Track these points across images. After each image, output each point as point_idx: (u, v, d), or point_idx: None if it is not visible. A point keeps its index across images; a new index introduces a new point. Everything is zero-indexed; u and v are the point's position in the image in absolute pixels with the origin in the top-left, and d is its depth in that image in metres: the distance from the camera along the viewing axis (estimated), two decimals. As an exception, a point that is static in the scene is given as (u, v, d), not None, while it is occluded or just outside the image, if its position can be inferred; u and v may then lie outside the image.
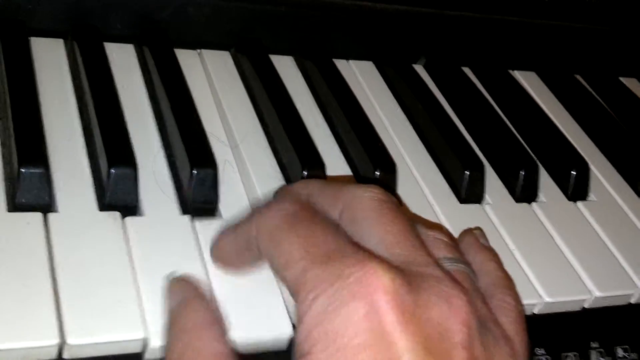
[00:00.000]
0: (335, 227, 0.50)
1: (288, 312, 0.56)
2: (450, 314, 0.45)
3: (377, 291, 0.43)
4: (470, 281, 0.51)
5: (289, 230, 0.49)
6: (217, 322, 0.50)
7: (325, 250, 0.46)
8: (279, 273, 0.49)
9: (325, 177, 0.67)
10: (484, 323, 0.48)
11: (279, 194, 0.61)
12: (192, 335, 0.48)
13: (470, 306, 0.46)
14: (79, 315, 0.50)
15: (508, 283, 0.56)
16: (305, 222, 0.49)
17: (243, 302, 0.56)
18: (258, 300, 0.56)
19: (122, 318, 0.51)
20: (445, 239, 0.54)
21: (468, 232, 0.62)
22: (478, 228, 0.65)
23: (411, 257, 0.48)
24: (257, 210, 0.53)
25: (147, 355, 0.52)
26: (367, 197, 0.52)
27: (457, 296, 0.46)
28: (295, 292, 0.46)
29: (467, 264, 0.54)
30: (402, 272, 0.45)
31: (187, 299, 0.52)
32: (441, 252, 0.52)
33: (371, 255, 0.46)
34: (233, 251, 0.56)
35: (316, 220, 0.50)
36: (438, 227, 0.57)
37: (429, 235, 0.53)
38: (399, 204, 0.54)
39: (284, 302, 0.57)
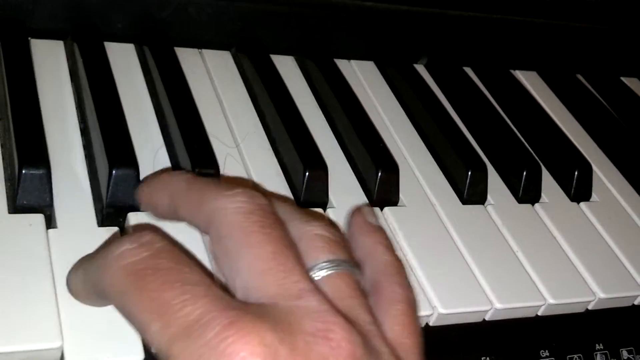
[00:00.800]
0: (189, 270, 0.45)
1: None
2: (332, 353, 0.42)
3: (251, 356, 0.40)
4: (353, 285, 0.48)
5: (139, 295, 0.44)
6: None
7: (183, 318, 0.42)
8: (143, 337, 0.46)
9: (327, 178, 0.67)
10: (369, 344, 0.45)
11: (142, 194, 0.56)
12: None
13: (350, 336, 0.43)
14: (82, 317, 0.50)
15: (396, 268, 0.53)
16: (151, 279, 0.44)
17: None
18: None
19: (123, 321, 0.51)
20: (325, 233, 0.50)
21: (357, 211, 0.58)
22: (367, 207, 0.61)
23: (283, 287, 0.45)
24: (100, 258, 0.47)
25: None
26: (232, 210, 0.48)
27: (335, 331, 0.43)
28: None
29: (349, 260, 0.50)
30: (273, 322, 0.42)
31: None
32: (320, 253, 0.49)
33: (238, 315, 0.42)
34: (84, 292, 0.51)
35: (165, 271, 0.44)
36: (317, 217, 0.52)
37: (307, 232, 0.50)
38: (269, 207, 0.49)
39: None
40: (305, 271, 0.47)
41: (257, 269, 0.45)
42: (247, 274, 0.46)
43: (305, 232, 0.50)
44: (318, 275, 0.47)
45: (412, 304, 0.50)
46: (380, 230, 0.56)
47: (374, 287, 0.51)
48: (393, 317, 0.49)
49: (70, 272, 0.52)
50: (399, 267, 0.53)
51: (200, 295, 0.43)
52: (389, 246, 0.54)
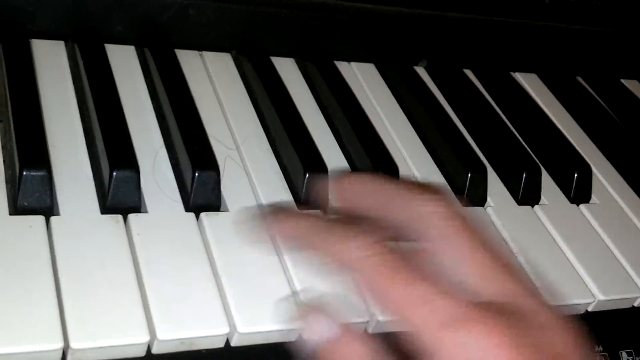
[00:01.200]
0: (430, 279, 0.49)
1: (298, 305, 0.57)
2: (561, 341, 0.48)
3: (500, 345, 0.45)
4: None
5: (391, 285, 0.49)
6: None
7: (433, 311, 0.47)
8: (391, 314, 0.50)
9: (327, 179, 0.67)
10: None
11: (342, 191, 0.61)
12: None
13: (571, 330, 0.49)
14: (83, 319, 0.50)
15: None
16: (400, 276, 0.49)
17: (256, 293, 0.56)
18: (269, 293, 0.57)
19: (126, 321, 0.51)
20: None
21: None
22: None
23: (505, 291, 0.49)
24: (349, 244, 0.52)
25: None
26: (437, 215, 0.52)
27: (561, 326, 0.48)
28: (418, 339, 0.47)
29: None
30: (509, 314, 0.47)
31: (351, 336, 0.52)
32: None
33: (495, 316, 0.47)
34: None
35: (412, 270, 0.49)
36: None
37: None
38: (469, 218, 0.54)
39: (293, 293, 0.57)
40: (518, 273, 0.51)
41: (478, 276, 0.50)
42: (469, 278, 0.50)
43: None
44: None
45: None
46: None
47: None
48: None
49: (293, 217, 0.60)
50: None
51: (447, 290, 0.48)
52: None
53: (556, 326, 0.48)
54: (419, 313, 0.47)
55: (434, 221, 0.52)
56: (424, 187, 0.55)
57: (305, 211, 0.64)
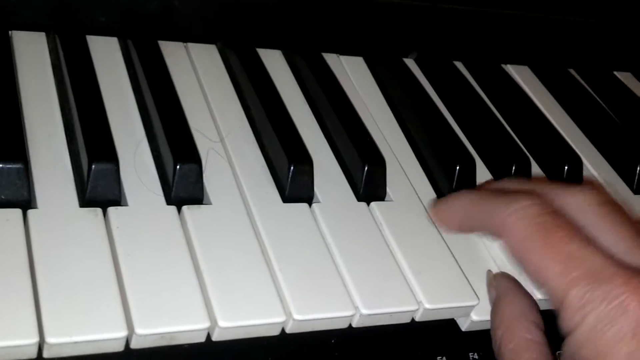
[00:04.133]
0: (586, 240, 0.54)
1: (280, 297, 0.56)
2: None
3: None
4: None
5: (542, 243, 0.54)
6: (531, 313, 0.57)
7: (586, 268, 0.51)
8: (535, 281, 0.56)
9: (313, 173, 0.66)
10: None
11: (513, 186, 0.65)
12: (509, 324, 0.57)
13: None
14: (60, 314, 0.50)
15: None
16: (555, 231, 0.54)
17: (238, 288, 0.55)
18: (251, 288, 0.56)
19: (103, 316, 0.50)
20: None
21: None
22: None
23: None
24: (501, 202, 0.58)
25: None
26: (582, 200, 0.58)
27: None
28: (557, 305, 0.53)
29: None
30: None
31: (504, 292, 0.59)
32: None
33: (631, 273, 0.51)
34: (459, 215, 0.64)
35: (566, 228, 0.54)
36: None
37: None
38: (614, 201, 0.59)
39: (276, 288, 0.57)
40: None
41: (623, 247, 0.55)
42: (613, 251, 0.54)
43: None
44: None
45: None
46: None
47: None
48: None
49: (451, 201, 0.66)
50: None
51: (596, 251, 0.53)
52: None
53: None
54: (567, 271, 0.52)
55: (589, 206, 0.57)
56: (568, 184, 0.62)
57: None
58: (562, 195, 0.59)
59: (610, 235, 0.56)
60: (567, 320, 0.52)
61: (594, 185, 0.61)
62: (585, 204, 0.58)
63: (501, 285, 0.61)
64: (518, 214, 0.56)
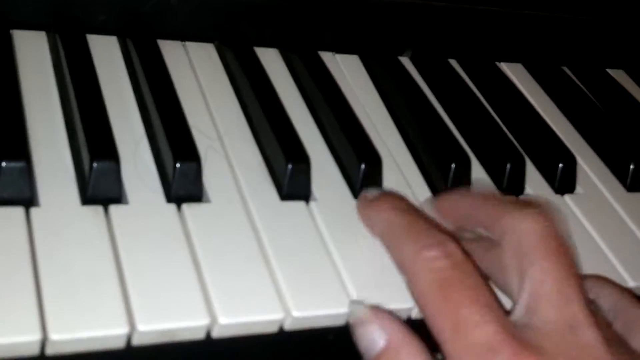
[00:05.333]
0: (487, 303, 0.50)
1: (278, 294, 0.56)
2: None
3: None
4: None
5: (442, 302, 0.51)
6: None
7: (477, 338, 0.48)
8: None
9: (310, 171, 0.67)
10: None
11: (442, 202, 0.65)
12: None
13: None
14: (62, 310, 0.50)
15: (632, 299, 0.60)
16: (459, 295, 0.51)
17: (236, 285, 0.56)
18: (250, 285, 0.56)
19: (105, 313, 0.51)
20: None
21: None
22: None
23: (562, 315, 0.50)
24: (412, 243, 0.55)
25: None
26: (527, 229, 0.54)
27: None
28: None
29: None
30: (550, 356, 0.48)
31: (402, 342, 0.53)
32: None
33: (522, 347, 0.48)
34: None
35: (470, 293, 0.51)
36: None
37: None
38: (564, 236, 0.55)
39: (274, 285, 0.57)
40: (587, 298, 0.52)
41: (542, 293, 0.51)
42: (532, 294, 0.52)
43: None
44: None
45: None
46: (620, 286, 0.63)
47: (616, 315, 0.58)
48: None
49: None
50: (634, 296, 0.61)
51: (493, 319, 0.49)
52: (635, 299, 0.61)
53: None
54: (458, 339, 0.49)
55: (532, 238, 0.54)
56: (527, 202, 0.58)
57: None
58: (506, 221, 0.56)
59: (538, 276, 0.52)
60: None
61: (541, 209, 0.56)
62: (527, 235, 0.54)
63: (395, 332, 0.54)
64: (423, 264, 0.53)
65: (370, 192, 0.64)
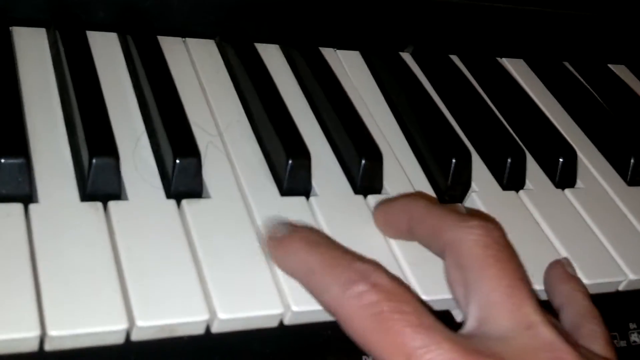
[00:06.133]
0: (426, 330, 0.48)
1: (278, 289, 0.57)
2: None
3: None
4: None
5: (382, 336, 0.48)
6: None
7: (434, 357, 0.47)
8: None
9: (310, 167, 0.67)
10: None
11: (379, 214, 0.64)
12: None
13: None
14: (61, 306, 0.50)
15: (595, 312, 0.58)
16: (395, 328, 0.48)
17: (236, 280, 0.56)
18: (249, 280, 0.56)
19: (104, 308, 0.51)
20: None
21: (555, 263, 0.65)
22: (565, 258, 0.67)
23: (515, 319, 0.49)
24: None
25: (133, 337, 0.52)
26: (470, 241, 0.53)
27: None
28: None
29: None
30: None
31: None
32: None
33: (486, 354, 0.47)
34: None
35: (405, 323, 0.48)
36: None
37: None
38: (505, 240, 0.54)
39: (274, 280, 0.57)
40: (537, 301, 0.51)
41: (491, 301, 0.50)
42: (482, 304, 0.51)
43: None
44: None
45: (610, 341, 0.56)
46: (577, 279, 0.63)
47: (573, 328, 0.57)
48: (597, 345, 0.55)
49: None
50: (597, 312, 0.59)
51: (442, 338, 0.47)
52: (586, 293, 0.61)
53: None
54: None
55: (473, 249, 0.53)
56: (466, 215, 0.56)
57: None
58: (448, 234, 0.54)
59: (484, 287, 0.51)
60: None
61: (481, 220, 0.54)
62: (470, 246, 0.53)
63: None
64: (353, 302, 0.50)
65: (278, 229, 0.59)
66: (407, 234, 0.60)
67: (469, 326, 0.51)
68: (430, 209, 0.58)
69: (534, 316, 0.49)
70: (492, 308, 0.50)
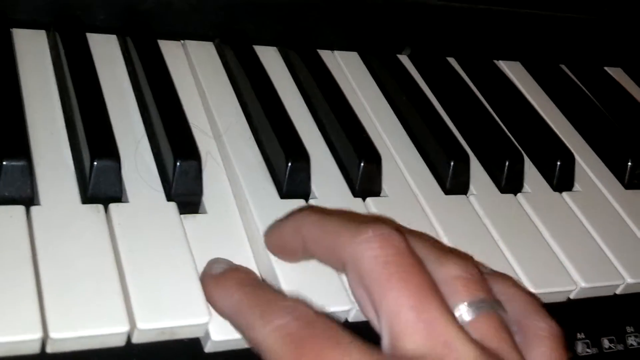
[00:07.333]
0: (345, 335, 0.47)
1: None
2: None
3: None
4: (499, 325, 0.49)
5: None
6: None
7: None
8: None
9: (310, 169, 0.67)
10: None
11: (272, 238, 0.60)
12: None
13: None
14: (62, 309, 0.50)
15: (536, 306, 0.54)
16: (315, 345, 0.46)
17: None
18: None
19: (106, 311, 0.51)
20: (462, 274, 0.50)
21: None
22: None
23: (429, 337, 0.46)
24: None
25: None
26: (368, 258, 0.49)
27: None
28: None
29: (491, 299, 0.51)
30: None
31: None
32: (461, 297, 0.49)
33: None
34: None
35: (323, 339, 0.46)
36: (451, 255, 0.52)
37: (444, 275, 0.50)
38: (406, 249, 0.49)
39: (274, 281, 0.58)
40: (450, 314, 0.47)
41: (400, 318, 0.47)
42: (391, 321, 0.47)
43: (442, 275, 0.50)
44: (463, 319, 0.48)
45: (558, 339, 0.52)
46: (507, 276, 0.59)
47: (518, 326, 0.52)
48: (541, 354, 0.50)
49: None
50: (539, 304, 0.55)
51: (362, 357, 0.45)
52: (521, 287, 0.56)
53: None
54: None
55: (373, 267, 0.49)
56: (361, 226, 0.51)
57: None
58: (347, 251, 0.50)
59: (390, 308, 0.47)
60: None
61: (377, 229, 0.50)
62: (369, 263, 0.49)
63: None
64: (274, 332, 0.48)
65: (215, 267, 0.57)
66: (303, 254, 0.56)
67: (385, 345, 0.48)
68: (323, 224, 0.54)
69: (449, 333, 0.46)
70: (405, 330, 0.46)
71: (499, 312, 0.50)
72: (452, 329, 0.46)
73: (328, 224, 0.53)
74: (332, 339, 0.46)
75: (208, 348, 0.55)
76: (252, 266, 0.60)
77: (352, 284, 0.51)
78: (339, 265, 0.51)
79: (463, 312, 0.48)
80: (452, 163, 0.72)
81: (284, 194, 0.65)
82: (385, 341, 0.47)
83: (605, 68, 1.03)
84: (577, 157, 0.81)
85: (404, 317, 0.46)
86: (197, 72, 0.76)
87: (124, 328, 0.51)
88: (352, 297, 0.56)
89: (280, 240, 0.58)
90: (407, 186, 0.71)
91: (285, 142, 0.67)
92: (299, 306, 0.49)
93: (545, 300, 0.65)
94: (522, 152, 0.78)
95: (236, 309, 0.52)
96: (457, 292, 0.49)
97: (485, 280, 0.52)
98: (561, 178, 0.78)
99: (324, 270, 0.56)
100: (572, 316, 0.67)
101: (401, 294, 0.47)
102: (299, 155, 0.67)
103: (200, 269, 0.57)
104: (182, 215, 0.60)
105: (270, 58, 0.82)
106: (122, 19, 0.76)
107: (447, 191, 0.72)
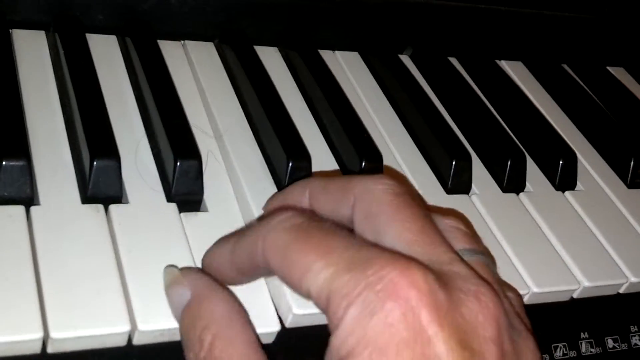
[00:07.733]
0: (348, 232, 0.48)
1: (275, 308, 0.56)
2: (480, 311, 0.45)
3: (412, 290, 0.43)
4: (491, 272, 0.51)
5: (303, 243, 0.47)
6: (242, 310, 0.51)
7: (348, 256, 0.45)
8: (298, 288, 0.47)
9: (311, 169, 0.66)
10: (509, 317, 0.48)
11: (275, 201, 0.59)
12: (222, 324, 0.49)
13: (498, 301, 0.46)
14: (63, 309, 0.50)
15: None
16: (316, 231, 0.47)
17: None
18: (247, 296, 0.55)
19: (106, 311, 0.51)
20: (462, 228, 0.54)
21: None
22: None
23: (433, 255, 0.47)
24: (260, 227, 0.50)
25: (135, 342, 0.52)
26: (380, 189, 0.51)
27: (484, 293, 0.45)
28: (323, 303, 0.45)
29: (485, 253, 0.53)
30: (431, 270, 0.45)
31: (205, 291, 0.51)
32: (459, 242, 0.52)
33: (399, 255, 0.45)
34: (228, 264, 0.53)
35: (327, 227, 0.48)
36: (453, 215, 0.56)
37: (446, 224, 0.53)
38: (413, 193, 0.53)
39: (271, 298, 0.57)
40: (449, 245, 0.49)
41: (406, 239, 0.48)
42: (396, 243, 0.48)
43: (445, 224, 0.53)
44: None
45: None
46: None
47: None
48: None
49: (211, 252, 0.56)
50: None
51: (363, 244, 0.46)
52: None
53: (476, 297, 0.45)
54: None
55: (383, 196, 0.51)
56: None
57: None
58: (358, 186, 0.52)
59: (397, 227, 0.49)
60: (331, 317, 0.44)
61: (392, 176, 0.55)
62: (380, 194, 0.51)
63: (199, 284, 0.52)
64: (275, 228, 0.48)
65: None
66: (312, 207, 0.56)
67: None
68: (329, 179, 0.56)
69: (450, 253, 0.48)
70: (408, 247, 0.48)
71: (491, 265, 0.52)
72: (453, 252, 0.48)
73: (334, 178, 0.55)
74: (335, 226, 0.48)
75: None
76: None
77: (358, 220, 0.52)
78: (348, 204, 0.53)
79: (461, 254, 0.50)
80: (453, 162, 0.72)
81: (284, 194, 0.65)
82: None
83: (608, 67, 1.03)
84: (579, 156, 0.81)
85: (409, 236, 0.48)
86: (197, 73, 0.76)
87: (125, 328, 0.51)
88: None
89: (285, 202, 0.58)
90: (410, 185, 0.71)
91: (286, 141, 0.67)
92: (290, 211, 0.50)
93: (549, 299, 0.65)
94: (524, 151, 0.78)
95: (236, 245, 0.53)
96: (455, 238, 0.52)
97: (479, 238, 0.56)
98: (563, 177, 0.78)
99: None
100: (575, 315, 0.67)
101: (410, 217, 0.49)
102: (300, 155, 0.66)
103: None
104: (182, 213, 0.60)
105: (271, 58, 0.82)
106: (121, 19, 0.76)
107: (449, 190, 0.72)
